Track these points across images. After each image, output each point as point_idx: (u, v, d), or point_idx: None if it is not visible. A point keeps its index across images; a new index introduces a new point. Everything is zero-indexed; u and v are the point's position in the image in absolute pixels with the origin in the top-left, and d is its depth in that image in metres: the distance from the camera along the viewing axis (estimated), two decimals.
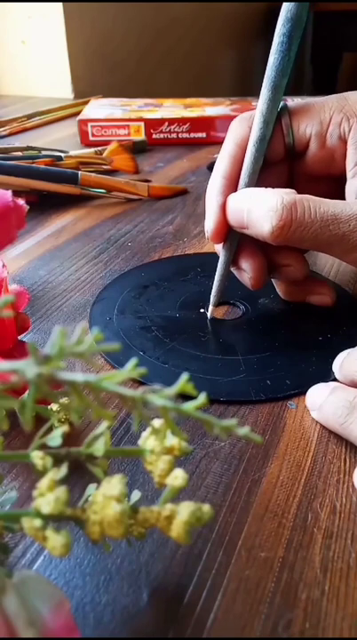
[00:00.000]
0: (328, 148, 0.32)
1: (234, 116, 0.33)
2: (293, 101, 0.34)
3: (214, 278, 0.34)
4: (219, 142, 0.72)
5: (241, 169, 0.32)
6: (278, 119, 0.32)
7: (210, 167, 0.65)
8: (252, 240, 0.32)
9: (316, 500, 0.23)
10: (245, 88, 1.91)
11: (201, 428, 0.27)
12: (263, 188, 0.30)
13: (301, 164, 0.33)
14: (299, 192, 0.29)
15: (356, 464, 0.25)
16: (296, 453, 0.25)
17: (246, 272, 0.33)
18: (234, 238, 0.33)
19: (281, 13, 0.29)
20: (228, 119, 0.72)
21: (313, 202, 0.29)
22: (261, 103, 0.30)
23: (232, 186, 0.32)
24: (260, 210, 0.29)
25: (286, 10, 0.28)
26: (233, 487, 0.24)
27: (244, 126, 0.32)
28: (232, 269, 0.35)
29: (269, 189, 0.30)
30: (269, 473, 0.24)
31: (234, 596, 0.19)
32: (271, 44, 0.29)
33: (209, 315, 0.35)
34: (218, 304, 0.35)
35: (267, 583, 0.20)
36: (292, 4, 0.28)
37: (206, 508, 0.17)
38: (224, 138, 0.33)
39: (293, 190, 0.30)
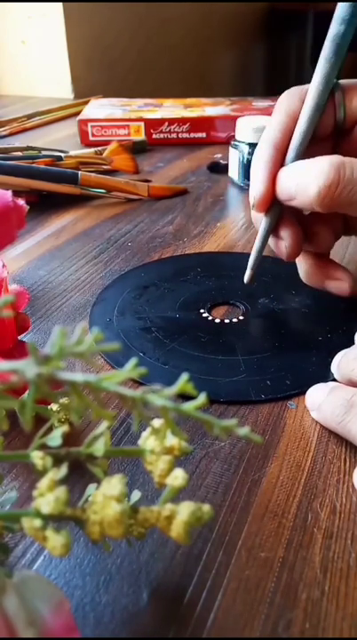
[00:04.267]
0: None
1: (235, 116, 0.33)
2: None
3: (252, 247, 0.35)
4: (219, 142, 0.73)
5: (290, 140, 0.32)
6: (330, 93, 0.31)
7: (210, 167, 0.65)
8: (291, 211, 0.32)
9: (316, 500, 0.23)
10: (245, 88, 1.91)
11: (201, 428, 0.27)
12: (311, 159, 0.30)
13: (348, 140, 0.33)
14: None
15: (356, 464, 0.25)
16: (296, 453, 0.25)
17: (284, 240, 0.33)
18: (278, 207, 0.33)
19: None
20: (228, 119, 0.72)
21: None
22: (321, 68, 0.30)
23: (280, 156, 0.32)
24: (308, 175, 0.29)
25: None
26: (233, 487, 0.24)
27: (295, 99, 0.32)
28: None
29: (317, 157, 0.30)
30: (269, 473, 0.24)
31: (234, 596, 0.19)
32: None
33: (245, 279, 0.35)
34: (255, 269, 0.35)
35: (267, 583, 0.20)
36: None
37: (206, 508, 0.17)
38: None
39: (340, 155, 0.29)
